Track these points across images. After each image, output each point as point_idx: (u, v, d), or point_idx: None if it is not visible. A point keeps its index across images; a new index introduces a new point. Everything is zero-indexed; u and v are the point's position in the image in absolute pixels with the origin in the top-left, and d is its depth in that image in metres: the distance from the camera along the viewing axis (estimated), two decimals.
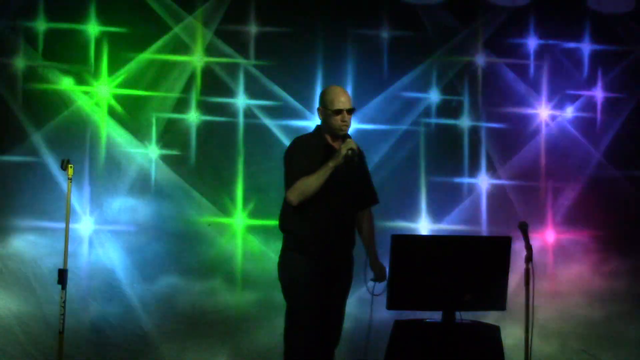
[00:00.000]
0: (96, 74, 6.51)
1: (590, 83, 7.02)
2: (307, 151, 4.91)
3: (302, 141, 5.03)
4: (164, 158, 6.55)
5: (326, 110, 4.93)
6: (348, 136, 4.91)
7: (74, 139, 6.44)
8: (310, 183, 4.78)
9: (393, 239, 4.84)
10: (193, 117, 6.60)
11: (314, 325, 4.85)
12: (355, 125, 6.71)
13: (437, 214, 6.79)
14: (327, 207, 4.89)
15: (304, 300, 4.87)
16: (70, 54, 6.49)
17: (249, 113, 6.65)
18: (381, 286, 4.99)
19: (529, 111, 6.96)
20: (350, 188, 4.96)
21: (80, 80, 6.50)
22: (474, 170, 6.88)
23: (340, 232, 4.95)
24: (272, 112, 6.64)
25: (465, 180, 6.86)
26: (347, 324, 5.13)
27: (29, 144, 6.40)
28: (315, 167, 4.82)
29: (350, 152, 4.77)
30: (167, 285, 6.44)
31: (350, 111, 4.93)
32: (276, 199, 5.20)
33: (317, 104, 5.03)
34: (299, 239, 4.95)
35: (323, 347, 5.00)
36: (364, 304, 6.37)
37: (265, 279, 6.31)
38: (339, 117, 4.90)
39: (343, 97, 4.93)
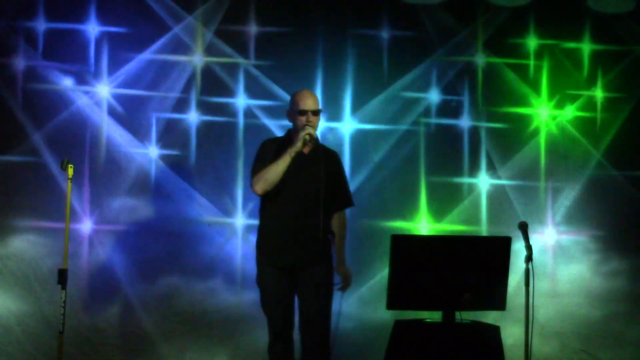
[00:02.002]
0: (96, 74, 6.51)
1: (590, 83, 7.01)
2: (271, 151, 5.09)
3: (269, 142, 5.26)
4: (164, 158, 6.55)
5: (293, 110, 5.13)
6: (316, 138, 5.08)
7: (74, 139, 6.44)
8: (272, 169, 4.98)
9: (393, 239, 4.84)
10: (193, 117, 6.60)
11: (274, 324, 5.09)
12: (355, 125, 6.71)
13: (437, 214, 6.78)
14: (284, 210, 5.06)
15: (264, 301, 5.13)
16: (70, 54, 6.49)
17: (249, 113, 6.64)
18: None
19: (529, 111, 6.95)
20: (313, 190, 5.04)
21: (80, 80, 6.50)
22: (474, 170, 6.87)
23: (297, 234, 5.05)
24: (272, 112, 6.63)
25: (465, 180, 6.85)
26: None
27: (29, 144, 6.40)
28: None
29: (307, 136, 4.99)
30: (167, 285, 6.43)
31: (316, 113, 5.10)
32: None
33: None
34: (260, 239, 5.18)
35: (308, 341, 5.09)
36: (365, 304, 6.41)
37: None
38: (303, 118, 5.08)
39: (310, 100, 5.13)
